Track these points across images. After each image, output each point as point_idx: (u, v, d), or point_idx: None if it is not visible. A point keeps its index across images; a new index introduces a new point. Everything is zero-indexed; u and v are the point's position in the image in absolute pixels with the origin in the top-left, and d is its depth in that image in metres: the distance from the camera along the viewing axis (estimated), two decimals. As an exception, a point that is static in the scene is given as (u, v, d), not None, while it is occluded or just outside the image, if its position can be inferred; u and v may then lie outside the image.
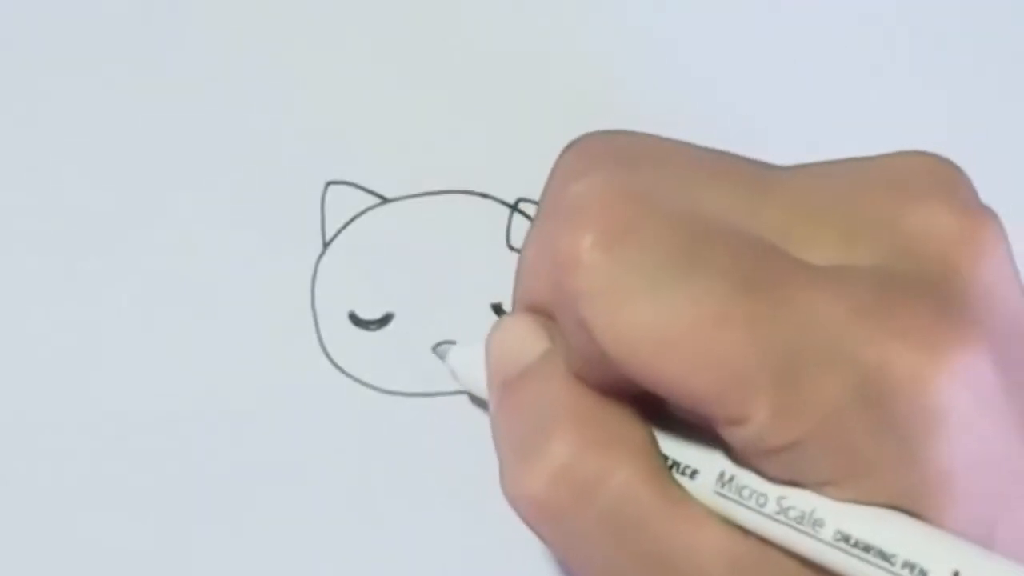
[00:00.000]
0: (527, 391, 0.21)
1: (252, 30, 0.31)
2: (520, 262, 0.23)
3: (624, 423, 0.20)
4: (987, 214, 0.19)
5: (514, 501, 0.20)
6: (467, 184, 0.30)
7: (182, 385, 0.28)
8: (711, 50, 0.31)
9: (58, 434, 0.27)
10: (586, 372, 0.20)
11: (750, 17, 0.32)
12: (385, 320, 0.29)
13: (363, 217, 0.29)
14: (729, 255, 0.19)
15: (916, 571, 0.17)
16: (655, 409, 0.20)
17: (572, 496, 0.20)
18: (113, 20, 0.31)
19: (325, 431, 0.28)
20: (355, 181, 0.30)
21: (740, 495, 0.19)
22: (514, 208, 0.29)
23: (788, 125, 0.30)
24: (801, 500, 0.18)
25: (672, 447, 0.20)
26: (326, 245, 0.29)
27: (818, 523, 0.18)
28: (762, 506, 0.19)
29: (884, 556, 0.17)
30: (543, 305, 0.22)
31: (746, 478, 0.19)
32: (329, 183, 0.30)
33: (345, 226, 0.29)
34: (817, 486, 0.18)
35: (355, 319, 0.29)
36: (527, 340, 0.22)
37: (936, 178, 0.20)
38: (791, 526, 0.18)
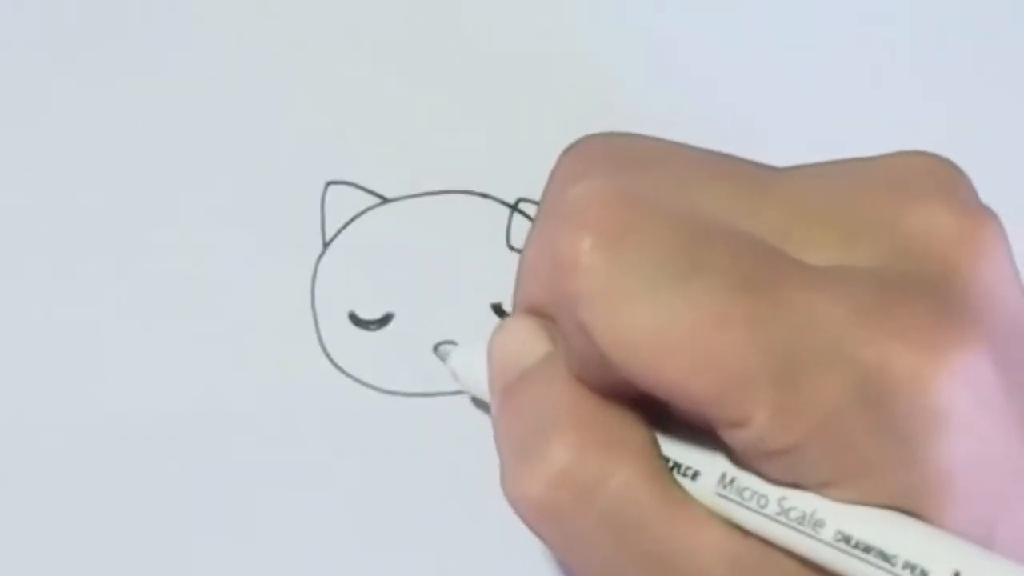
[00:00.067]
0: (528, 393, 0.21)
1: (252, 30, 0.31)
2: (520, 264, 0.23)
3: (625, 425, 0.20)
4: (987, 214, 0.19)
5: (514, 502, 0.20)
6: (467, 184, 0.30)
7: (182, 385, 0.28)
8: (711, 50, 0.31)
9: (58, 434, 0.27)
10: (586, 374, 0.20)
11: (750, 17, 0.32)
12: (385, 320, 0.29)
13: (363, 217, 0.29)
14: (728, 256, 0.19)
15: (917, 571, 0.17)
16: (657, 411, 0.20)
17: (572, 497, 0.20)
18: (113, 20, 0.31)
19: (325, 431, 0.28)
20: (355, 181, 0.30)
21: (741, 496, 0.19)
22: (514, 208, 0.29)
23: (788, 125, 0.30)
24: (802, 501, 0.18)
25: (674, 449, 0.20)
26: (326, 245, 0.29)
27: (819, 524, 0.18)
28: (763, 507, 0.19)
29: (885, 557, 0.17)
30: (544, 307, 0.22)
31: (747, 480, 0.19)
32: (329, 183, 0.30)
33: (345, 226, 0.29)
34: (818, 487, 0.18)
35: (355, 319, 0.29)
36: (528, 342, 0.22)
37: (936, 178, 0.20)
38: (792, 527, 0.18)
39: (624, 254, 0.19)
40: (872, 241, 0.19)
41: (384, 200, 0.30)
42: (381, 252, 0.29)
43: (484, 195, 0.30)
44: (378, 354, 0.28)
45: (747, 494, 0.19)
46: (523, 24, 0.31)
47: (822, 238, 0.19)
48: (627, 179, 0.20)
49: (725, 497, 0.19)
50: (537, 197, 0.23)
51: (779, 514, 0.18)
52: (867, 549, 0.18)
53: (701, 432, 0.19)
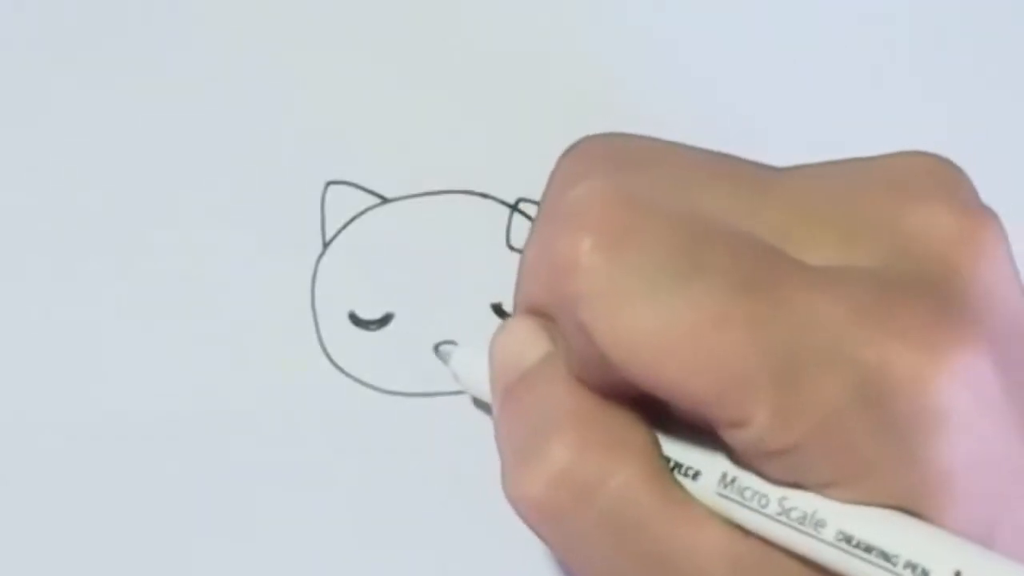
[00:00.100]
0: (528, 394, 0.21)
1: (252, 30, 0.31)
2: (521, 265, 0.23)
3: (625, 425, 0.20)
4: (987, 214, 0.19)
5: (515, 502, 0.20)
6: (467, 184, 0.30)
7: (182, 385, 0.28)
8: (711, 50, 0.31)
9: (58, 434, 0.27)
10: (587, 375, 0.20)
11: (750, 17, 0.32)
12: (385, 320, 0.29)
13: (363, 217, 0.29)
14: (728, 257, 0.19)
15: (918, 571, 0.17)
16: (658, 411, 0.20)
17: (573, 497, 0.20)
18: (113, 20, 0.31)
19: (325, 431, 0.28)
20: (355, 181, 0.30)
21: (742, 496, 0.19)
22: (514, 208, 0.29)
23: (788, 125, 0.30)
24: (803, 501, 0.18)
25: (674, 449, 0.20)
26: (326, 245, 0.29)
27: (820, 524, 0.18)
28: (764, 507, 0.19)
29: (886, 556, 0.17)
30: (544, 308, 0.22)
31: (748, 479, 0.19)
32: (329, 183, 0.30)
33: (345, 226, 0.29)
34: (818, 487, 0.18)
35: (355, 319, 0.29)
36: (528, 343, 0.22)
37: (936, 178, 0.20)
38: (793, 527, 0.18)
39: (624, 255, 0.19)
40: (872, 241, 0.19)
41: (384, 200, 0.30)
42: (381, 252, 0.29)
43: (484, 195, 0.30)
44: (378, 354, 0.28)
45: (748, 494, 0.19)
46: (523, 24, 0.31)
47: (822, 238, 0.19)
48: (627, 180, 0.20)
49: (726, 497, 0.19)
50: (537, 197, 0.23)
51: (780, 514, 0.18)
52: (868, 549, 0.18)
53: (702, 432, 0.19)
